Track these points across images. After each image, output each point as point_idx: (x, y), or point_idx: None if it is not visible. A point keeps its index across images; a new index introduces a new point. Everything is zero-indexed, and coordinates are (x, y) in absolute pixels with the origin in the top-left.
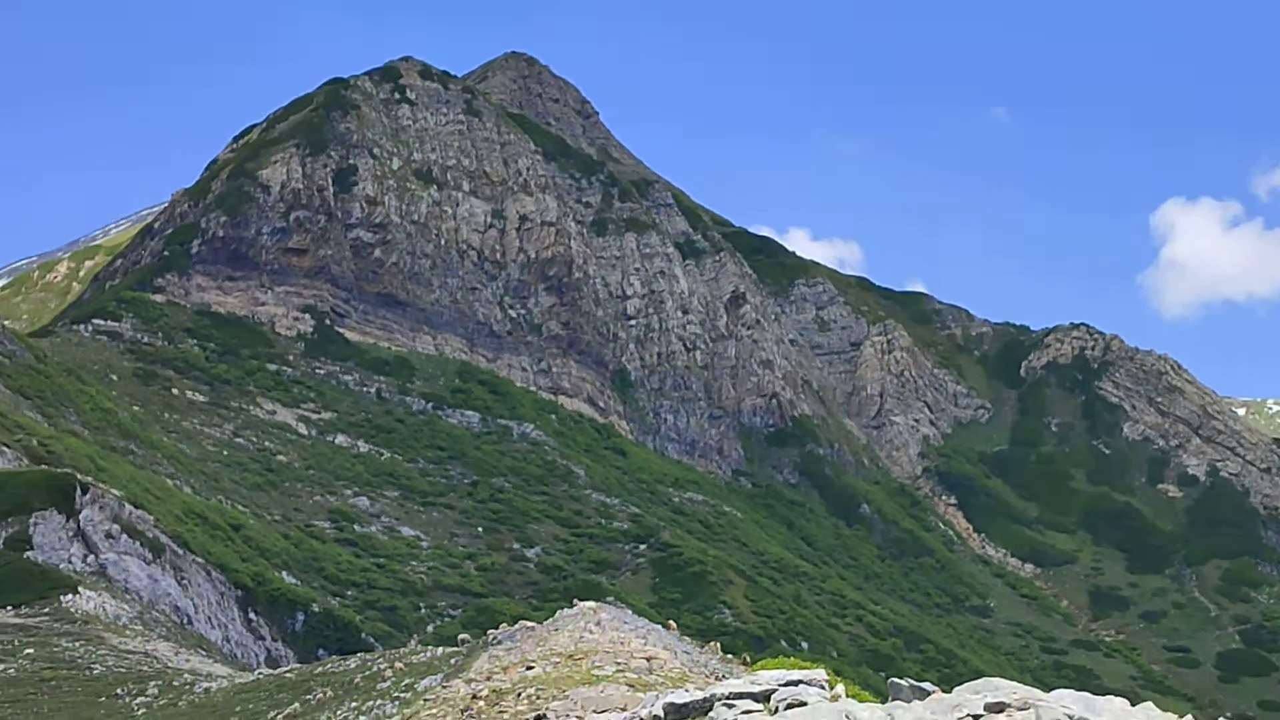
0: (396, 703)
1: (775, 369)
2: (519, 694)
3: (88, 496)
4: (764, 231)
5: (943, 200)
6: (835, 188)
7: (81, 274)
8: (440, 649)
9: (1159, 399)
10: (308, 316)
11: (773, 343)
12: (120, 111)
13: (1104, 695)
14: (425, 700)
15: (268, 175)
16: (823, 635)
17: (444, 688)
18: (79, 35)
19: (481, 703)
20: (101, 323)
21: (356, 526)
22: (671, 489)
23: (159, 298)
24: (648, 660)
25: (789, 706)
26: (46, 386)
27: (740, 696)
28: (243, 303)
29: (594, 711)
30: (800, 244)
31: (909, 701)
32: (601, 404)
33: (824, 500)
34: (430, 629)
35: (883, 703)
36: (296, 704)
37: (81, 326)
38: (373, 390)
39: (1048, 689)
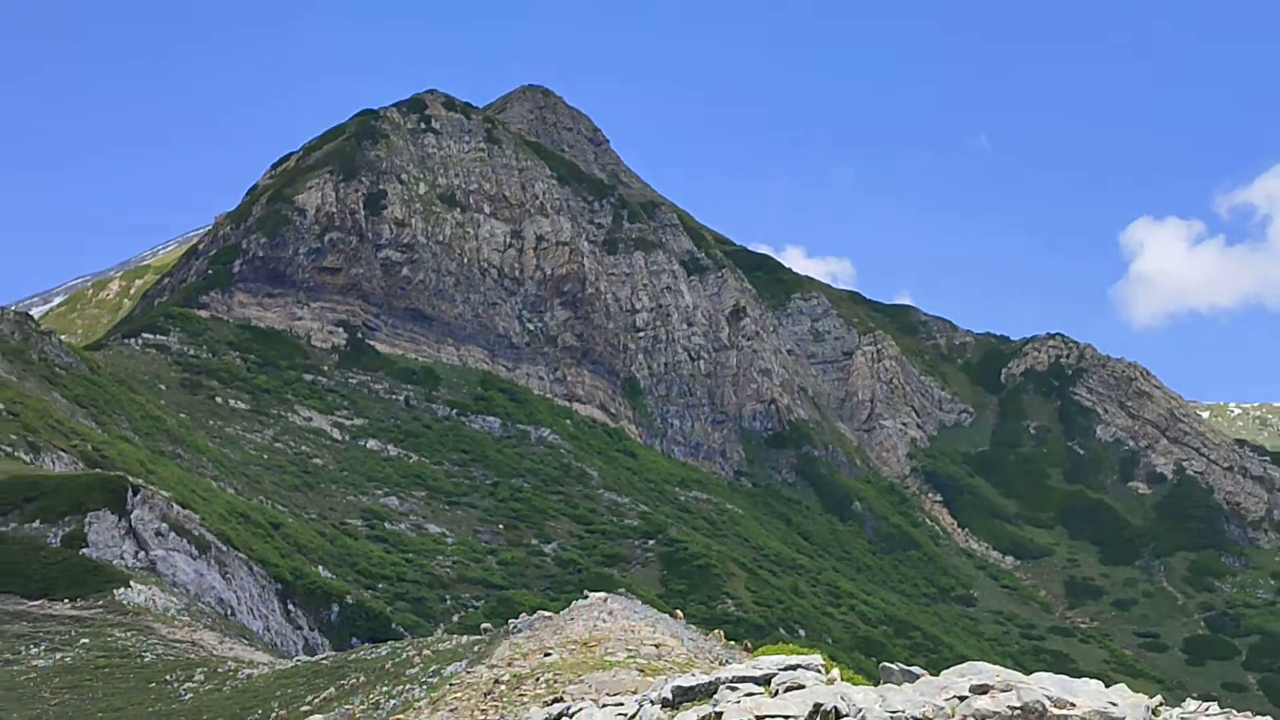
0: (424, 687)
1: (773, 377)
2: (538, 678)
3: (138, 497)
4: (762, 249)
5: (929, 219)
6: (829, 208)
7: (132, 292)
8: (464, 637)
9: (1129, 403)
10: (341, 330)
11: (771, 352)
12: (170, 143)
13: (1079, 678)
14: (451, 684)
15: (304, 200)
16: (818, 623)
17: (468, 673)
18: (136, 77)
19: (503, 686)
20: (151, 336)
21: (387, 524)
22: (678, 488)
23: (204, 313)
24: (656, 647)
25: (788, 689)
26: (100, 396)
27: (743, 680)
28: (281, 318)
29: (607, 694)
30: (796, 261)
31: (899, 684)
32: (612, 410)
33: (819, 498)
34: (455, 619)
35: (875, 685)
36: (332, 689)
37: (132, 340)
38: (401, 398)
39: (1027, 672)
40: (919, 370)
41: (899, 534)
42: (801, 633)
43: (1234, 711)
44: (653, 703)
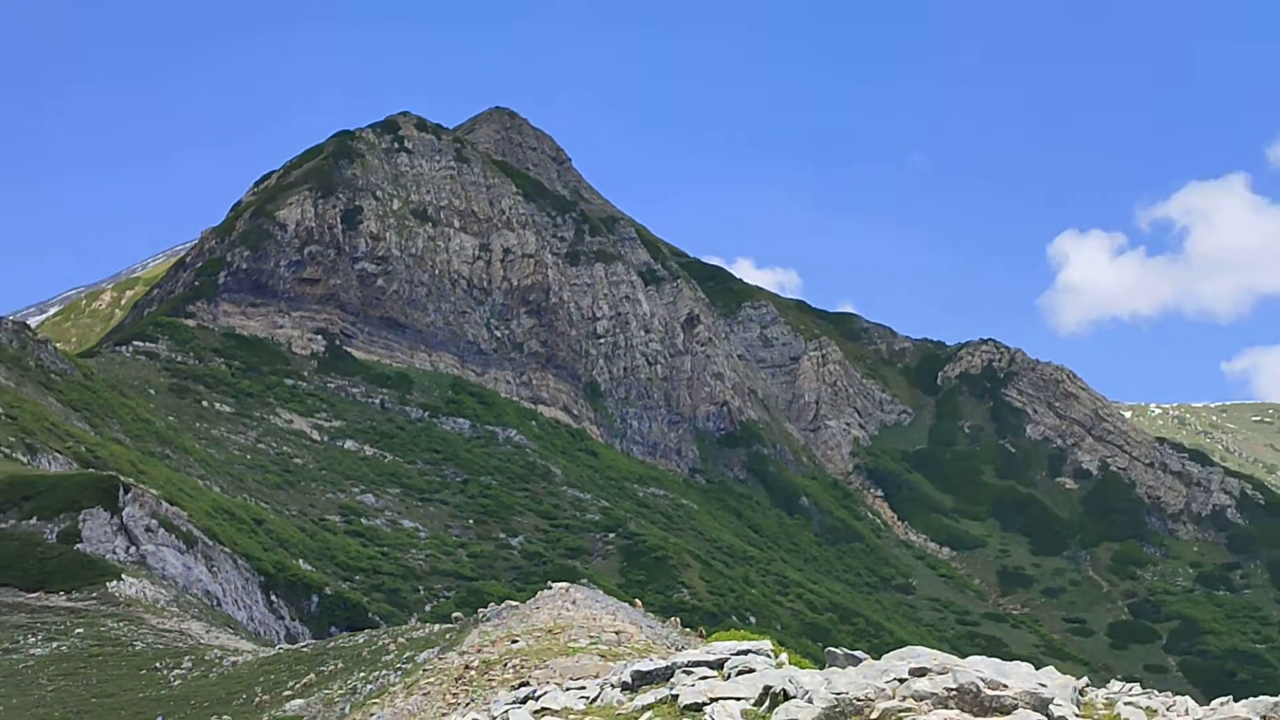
0: (399, 673)
1: (725, 380)
2: (505, 664)
3: (129, 495)
4: (715, 261)
5: (871, 232)
6: (777, 222)
7: (123, 302)
8: (437, 626)
9: (1057, 404)
10: (320, 338)
11: (723, 358)
12: (159, 164)
13: (1011, 661)
14: (424, 670)
15: (285, 215)
16: (768, 611)
17: (440, 659)
18: (126, 100)
19: (473, 672)
20: (141, 344)
21: (363, 520)
22: (636, 485)
23: (191, 322)
24: (617, 634)
25: (740, 673)
26: (93, 400)
27: (698, 664)
28: (263, 326)
29: (571, 678)
30: (746, 271)
31: (844, 667)
32: (575, 412)
33: (768, 494)
34: (428, 608)
35: (821, 669)
36: (312, 674)
37: (123, 348)
38: (377, 401)
39: (963, 656)
40: (861, 374)
41: (843, 527)
42: (752, 620)
43: (1155, 691)
44: (613, 686)
